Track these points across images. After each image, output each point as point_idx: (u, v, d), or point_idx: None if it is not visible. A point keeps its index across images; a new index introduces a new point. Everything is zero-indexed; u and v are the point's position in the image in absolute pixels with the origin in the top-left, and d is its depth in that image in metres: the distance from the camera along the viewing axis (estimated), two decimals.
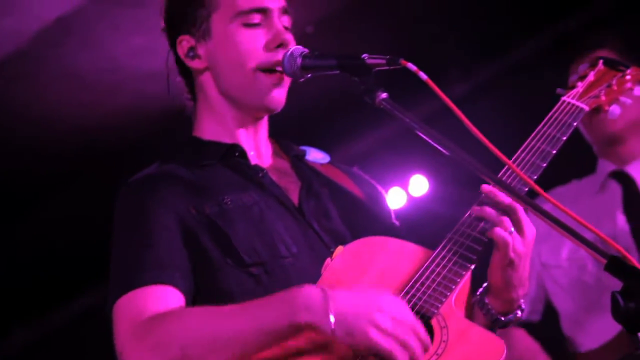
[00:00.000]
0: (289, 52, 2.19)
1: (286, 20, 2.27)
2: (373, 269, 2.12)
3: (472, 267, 2.15)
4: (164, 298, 2.07)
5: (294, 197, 2.25)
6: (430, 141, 2.00)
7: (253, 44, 2.22)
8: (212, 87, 2.29)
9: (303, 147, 2.39)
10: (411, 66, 2.01)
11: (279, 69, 2.22)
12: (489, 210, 2.14)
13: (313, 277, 2.11)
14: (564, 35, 4.65)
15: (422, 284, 2.09)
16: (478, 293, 2.19)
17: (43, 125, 4.77)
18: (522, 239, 2.12)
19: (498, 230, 2.11)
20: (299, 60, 2.18)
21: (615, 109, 2.49)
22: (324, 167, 2.38)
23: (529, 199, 1.96)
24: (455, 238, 2.15)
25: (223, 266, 2.13)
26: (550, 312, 3.55)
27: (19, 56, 4.23)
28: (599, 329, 3.32)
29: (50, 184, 5.28)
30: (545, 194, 1.96)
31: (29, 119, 4.70)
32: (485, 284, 2.20)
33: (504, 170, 2.19)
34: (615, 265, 1.73)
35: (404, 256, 2.15)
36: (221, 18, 2.25)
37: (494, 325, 2.17)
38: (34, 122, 4.73)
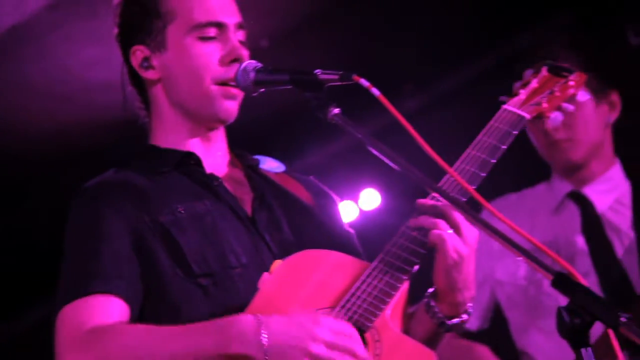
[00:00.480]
0: (242, 67, 2.21)
1: (241, 35, 2.28)
2: (310, 284, 2.13)
3: (407, 279, 2.16)
4: (108, 308, 2.07)
5: (247, 208, 2.26)
6: (380, 156, 2.02)
7: (208, 58, 2.23)
8: (165, 98, 2.29)
9: (258, 157, 2.40)
10: (364, 82, 2.03)
11: (233, 83, 2.23)
12: (423, 218, 2.16)
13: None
14: (520, 49, 4.69)
15: (358, 298, 2.10)
16: (425, 296, 2.21)
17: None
18: (462, 239, 2.14)
19: (435, 231, 2.13)
20: (252, 75, 2.19)
21: (557, 116, 2.47)
22: (279, 176, 2.39)
23: (473, 211, 1.98)
24: (392, 251, 2.16)
25: (172, 276, 2.13)
26: (499, 320, 3.57)
27: None
28: (550, 348, 3.35)
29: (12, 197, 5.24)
30: (491, 208, 1.98)
31: None
32: (432, 288, 2.22)
33: (444, 179, 2.19)
34: (562, 281, 1.75)
35: (342, 270, 2.16)
36: (177, 30, 2.25)
37: (440, 329, 2.19)
38: None
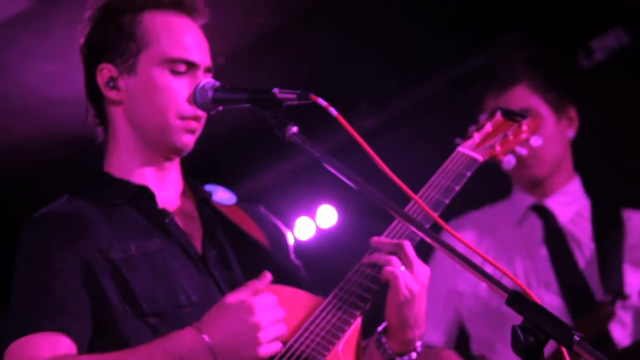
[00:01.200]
0: (201, 85, 2.21)
1: (208, 77, 2.30)
2: None
3: (360, 315, 2.18)
4: (56, 346, 2.07)
5: (198, 244, 2.26)
6: (338, 174, 2.03)
7: (176, 92, 2.24)
8: (124, 120, 2.28)
9: (210, 187, 2.39)
10: (321, 101, 2.05)
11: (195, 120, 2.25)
12: (377, 255, 2.19)
13: None
14: (473, 69, 4.73)
15: (311, 332, 2.12)
16: (376, 332, 2.23)
17: None
18: (414, 276, 2.17)
19: (388, 267, 2.16)
20: (210, 93, 2.20)
21: (510, 159, 2.54)
22: (229, 208, 2.38)
23: (431, 231, 2.00)
24: (346, 287, 2.18)
25: (122, 314, 2.12)
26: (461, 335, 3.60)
27: None
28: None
29: None
30: (449, 229, 2.00)
31: None
32: (384, 324, 2.23)
33: (409, 205, 2.22)
34: (516, 300, 1.77)
35: (296, 305, 2.17)
36: (149, 58, 2.25)
37: None
38: None
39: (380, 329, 2.24)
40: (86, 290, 2.12)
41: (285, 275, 2.26)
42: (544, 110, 3.44)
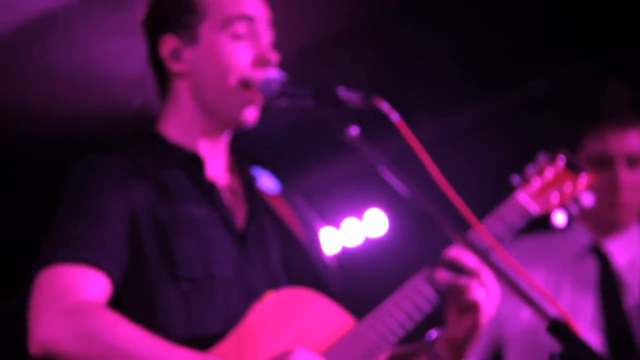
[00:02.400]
0: (268, 76, 2.20)
1: (270, 34, 2.28)
2: (293, 328, 2.11)
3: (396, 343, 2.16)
4: (97, 284, 2.05)
5: (240, 220, 2.25)
6: (393, 183, 2.01)
7: (238, 57, 2.22)
8: (188, 92, 2.27)
9: (256, 170, 2.37)
10: (384, 106, 2.03)
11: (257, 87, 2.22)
12: (450, 276, 2.15)
13: (237, 307, 2.12)
14: (540, 95, 4.69)
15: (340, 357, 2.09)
16: (428, 341, 2.20)
17: (18, 117, 4.74)
18: (490, 299, 2.15)
19: (472, 295, 2.12)
20: (276, 86, 2.18)
21: (562, 216, 2.49)
22: (272, 197, 2.36)
23: (483, 250, 1.97)
24: (388, 310, 2.15)
25: (155, 272, 2.11)
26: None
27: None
28: None
29: (10, 172, 5.25)
30: (499, 250, 1.97)
31: (3, 109, 4.67)
32: (435, 333, 2.21)
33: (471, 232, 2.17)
34: (557, 328, 1.75)
35: (328, 321, 2.14)
36: (210, 27, 2.24)
37: None
38: (8, 113, 4.70)
39: (431, 337, 2.21)
40: (128, 239, 2.11)
41: (318, 278, 2.24)
42: None
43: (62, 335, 1.97)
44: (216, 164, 2.29)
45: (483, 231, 2.09)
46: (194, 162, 2.25)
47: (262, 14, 2.26)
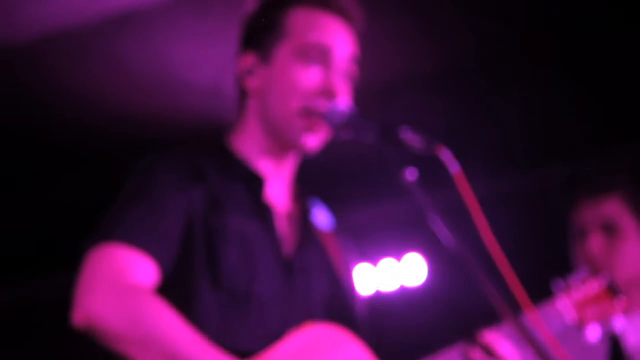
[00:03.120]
0: (336, 106, 2.18)
1: (350, 66, 2.25)
2: None
3: None
4: (144, 268, 2.05)
5: (289, 247, 2.24)
6: (441, 234, 1.98)
7: (303, 83, 2.21)
8: (256, 110, 2.28)
9: (314, 202, 2.36)
10: (445, 154, 2.00)
11: (319, 116, 2.21)
12: None
13: (271, 328, 2.12)
14: (583, 171, 4.67)
15: None
16: None
17: (81, 105, 4.79)
18: None
19: None
20: (343, 117, 2.17)
21: (594, 331, 2.50)
22: (324, 232, 2.35)
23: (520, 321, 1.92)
24: None
25: (199, 278, 2.12)
26: None
27: (77, 34, 4.25)
28: None
29: (71, 161, 5.30)
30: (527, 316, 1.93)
31: (69, 94, 4.72)
32: None
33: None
34: None
35: None
36: (286, 48, 2.23)
37: None
38: (73, 99, 4.75)
39: None
40: (183, 237, 2.12)
41: (353, 322, 2.23)
42: (630, 226, 3.33)
43: (109, 313, 1.98)
44: (277, 186, 2.29)
45: (527, 310, 2.04)
46: (254, 181, 2.25)
47: (342, 46, 2.24)
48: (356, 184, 4.84)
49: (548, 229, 4.55)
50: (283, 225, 2.26)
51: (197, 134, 5.02)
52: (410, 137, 2.06)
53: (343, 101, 2.20)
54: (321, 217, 2.34)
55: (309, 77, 2.22)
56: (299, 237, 2.27)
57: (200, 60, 4.42)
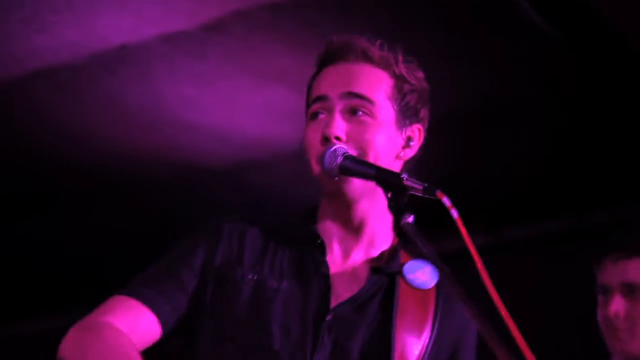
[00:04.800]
0: (332, 149, 2.14)
1: (348, 102, 2.17)
2: None
3: None
4: (131, 313, 2.08)
5: (334, 303, 2.13)
6: (443, 280, 1.94)
7: (311, 137, 2.19)
8: None
9: (415, 263, 2.24)
10: (446, 201, 1.96)
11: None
12: None
13: None
14: (595, 227, 4.63)
15: None
16: None
17: (75, 140, 4.78)
18: None
19: None
20: (339, 160, 2.13)
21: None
22: (418, 292, 2.21)
23: None
24: None
25: (206, 328, 2.10)
26: None
27: (71, 69, 4.25)
28: None
29: (64, 196, 5.28)
30: None
31: (64, 130, 4.71)
32: None
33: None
34: None
35: None
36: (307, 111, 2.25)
37: None
38: (67, 135, 4.74)
39: None
40: (193, 292, 2.13)
41: None
42: None
43: (64, 346, 2.03)
44: (345, 245, 2.21)
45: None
46: (315, 241, 2.19)
47: (336, 91, 2.19)
48: None
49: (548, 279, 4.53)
50: (340, 282, 2.16)
51: (191, 172, 5.00)
52: (409, 182, 2.03)
53: (339, 146, 2.15)
54: (419, 277, 2.22)
55: (313, 130, 2.19)
56: (357, 295, 2.16)
57: (196, 99, 4.40)
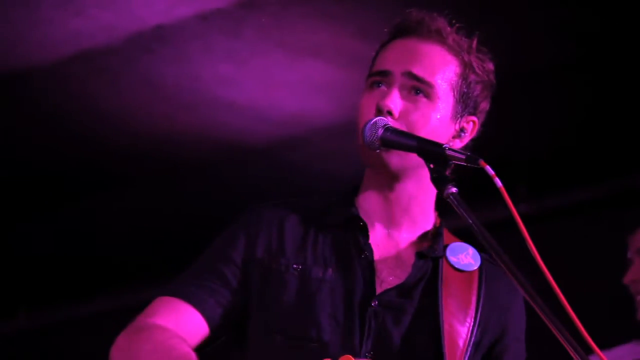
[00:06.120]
0: (372, 121, 2.12)
1: (419, 86, 2.13)
2: None
3: None
4: (176, 312, 2.08)
5: (381, 289, 2.11)
6: (488, 248, 1.93)
7: (366, 107, 2.15)
8: None
9: (457, 245, 2.21)
10: (489, 169, 1.94)
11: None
12: None
13: None
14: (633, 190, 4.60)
15: None
16: None
17: (112, 123, 4.80)
18: None
19: None
20: (380, 132, 2.10)
21: None
22: (462, 274, 2.18)
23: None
24: None
25: (251, 319, 2.11)
26: None
27: (108, 52, 4.27)
28: None
29: (99, 180, 5.31)
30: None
31: (101, 113, 4.74)
32: None
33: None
34: None
35: None
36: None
37: None
38: (104, 118, 4.76)
39: None
40: (238, 286, 2.12)
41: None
42: None
43: (114, 348, 2.05)
44: (387, 225, 2.18)
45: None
46: (357, 223, 2.16)
47: (397, 68, 2.14)
48: None
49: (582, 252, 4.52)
50: (385, 267, 2.14)
51: (229, 150, 5.01)
52: (451, 152, 2.01)
53: (380, 118, 2.12)
54: (463, 259, 2.18)
55: (369, 101, 2.15)
56: (406, 280, 2.13)
57: (232, 77, 4.40)
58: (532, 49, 4.08)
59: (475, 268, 2.19)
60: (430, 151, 2.03)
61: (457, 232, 2.23)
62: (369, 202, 2.19)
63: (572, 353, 1.85)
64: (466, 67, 2.16)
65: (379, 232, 2.18)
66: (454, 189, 1.98)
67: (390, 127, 2.10)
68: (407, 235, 2.19)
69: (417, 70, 2.13)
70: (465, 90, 2.17)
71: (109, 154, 5.04)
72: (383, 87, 2.15)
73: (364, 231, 2.15)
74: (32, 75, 4.43)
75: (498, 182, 1.94)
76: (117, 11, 4.00)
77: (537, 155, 4.76)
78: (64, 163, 5.15)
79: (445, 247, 2.19)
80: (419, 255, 2.16)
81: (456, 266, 2.18)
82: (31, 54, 4.29)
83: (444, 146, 2.02)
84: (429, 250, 2.17)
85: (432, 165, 2.01)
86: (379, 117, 2.12)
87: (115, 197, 5.46)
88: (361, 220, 2.15)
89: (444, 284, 2.15)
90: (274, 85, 4.45)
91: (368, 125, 2.11)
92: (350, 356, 1.95)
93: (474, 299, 2.16)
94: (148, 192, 5.41)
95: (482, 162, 1.95)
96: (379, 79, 2.15)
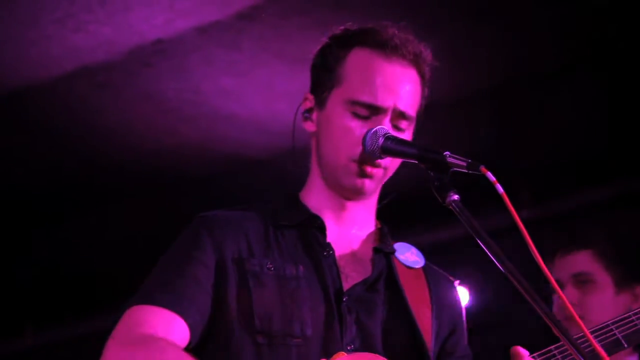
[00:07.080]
0: (373, 130, 2.14)
1: (403, 124, 2.20)
2: None
3: None
4: (163, 321, 2.08)
5: (348, 285, 2.18)
6: (490, 255, 1.93)
7: (350, 133, 2.18)
8: (314, 152, 2.28)
9: (401, 244, 2.30)
10: (490, 176, 1.95)
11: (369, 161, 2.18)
12: None
13: None
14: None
15: None
16: None
17: (112, 137, 4.80)
18: None
19: None
20: (380, 140, 2.13)
21: None
22: (411, 271, 2.28)
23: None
24: None
25: (233, 323, 2.11)
26: None
27: (108, 67, 4.27)
28: None
29: (101, 193, 5.30)
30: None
31: (101, 128, 4.73)
32: None
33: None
34: None
35: None
36: (338, 95, 2.21)
37: None
38: (104, 132, 4.76)
39: None
40: (212, 289, 2.13)
41: (410, 355, 2.17)
42: (603, 279, 3.28)
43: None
44: (344, 229, 2.25)
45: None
46: (314, 223, 2.22)
47: (392, 105, 2.18)
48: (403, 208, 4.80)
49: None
50: (348, 264, 2.21)
51: (231, 163, 5.01)
52: (452, 159, 2.02)
53: (379, 127, 2.15)
54: (408, 258, 2.28)
55: (356, 126, 2.18)
56: (368, 276, 2.21)
57: (233, 89, 4.41)
58: (534, 53, 4.09)
59: (421, 266, 2.28)
60: (432, 159, 2.05)
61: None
62: (320, 203, 2.26)
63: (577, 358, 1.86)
64: (424, 83, 2.26)
65: (333, 230, 2.24)
66: (456, 196, 2.00)
67: (391, 135, 2.13)
68: (359, 232, 2.27)
69: (406, 108, 2.20)
70: (423, 104, 2.28)
71: (111, 168, 5.04)
72: (370, 120, 2.18)
73: (322, 230, 2.22)
74: (32, 91, 4.43)
75: (499, 189, 1.94)
76: (116, 26, 4.01)
77: (538, 161, 4.76)
78: (66, 179, 5.15)
79: (392, 245, 2.29)
80: (376, 250, 2.24)
81: (405, 263, 2.27)
82: (31, 70, 4.30)
83: (444, 154, 2.03)
84: (382, 245, 2.25)
85: (432, 173, 2.03)
86: (379, 127, 2.14)
87: (119, 211, 5.46)
88: (319, 218, 2.22)
89: (401, 279, 2.23)
90: (274, 96, 4.46)
91: (369, 135, 2.14)
92: (343, 353, 2.03)
93: (427, 294, 2.25)
94: (152, 206, 5.40)
95: (483, 169, 1.97)
96: (369, 112, 2.19)
